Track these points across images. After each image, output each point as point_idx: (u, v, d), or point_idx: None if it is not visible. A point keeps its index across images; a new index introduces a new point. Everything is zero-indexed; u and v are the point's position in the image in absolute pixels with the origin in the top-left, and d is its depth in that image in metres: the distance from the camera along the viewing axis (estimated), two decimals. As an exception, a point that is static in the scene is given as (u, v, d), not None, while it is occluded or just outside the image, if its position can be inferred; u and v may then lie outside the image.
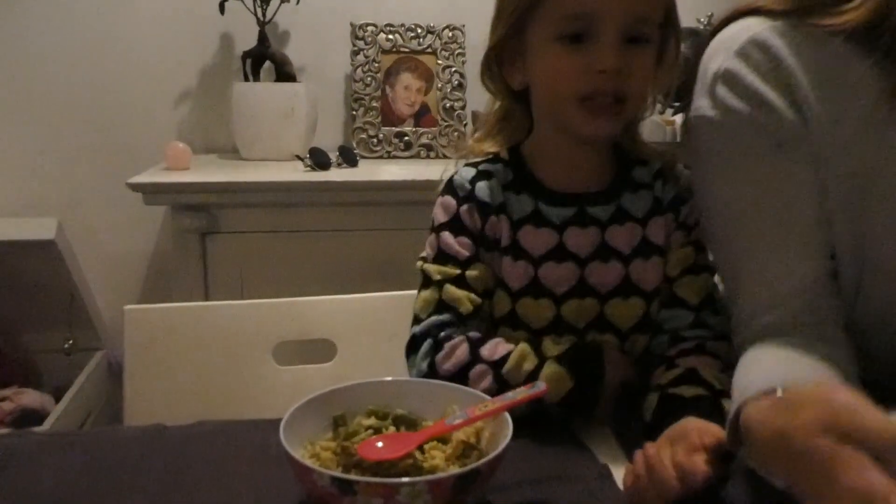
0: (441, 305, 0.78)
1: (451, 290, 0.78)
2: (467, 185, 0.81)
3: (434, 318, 0.78)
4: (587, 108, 0.76)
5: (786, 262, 0.73)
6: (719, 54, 0.75)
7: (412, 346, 0.78)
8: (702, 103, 0.76)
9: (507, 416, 0.61)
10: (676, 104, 1.52)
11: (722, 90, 0.74)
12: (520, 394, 0.63)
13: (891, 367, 0.74)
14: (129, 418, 0.98)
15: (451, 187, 0.83)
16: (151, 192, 1.58)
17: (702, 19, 1.88)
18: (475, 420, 0.61)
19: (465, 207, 0.81)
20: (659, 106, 0.87)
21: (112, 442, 0.73)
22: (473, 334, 0.77)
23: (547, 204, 0.81)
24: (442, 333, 0.77)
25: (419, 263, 0.82)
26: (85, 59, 1.92)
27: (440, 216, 0.82)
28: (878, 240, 0.72)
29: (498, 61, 0.83)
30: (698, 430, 0.62)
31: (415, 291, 0.82)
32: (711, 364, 0.75)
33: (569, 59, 0.76)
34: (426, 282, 0.81)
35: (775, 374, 0.64)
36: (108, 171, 1.91)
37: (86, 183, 1.96)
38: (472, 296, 0.79)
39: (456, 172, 0.84)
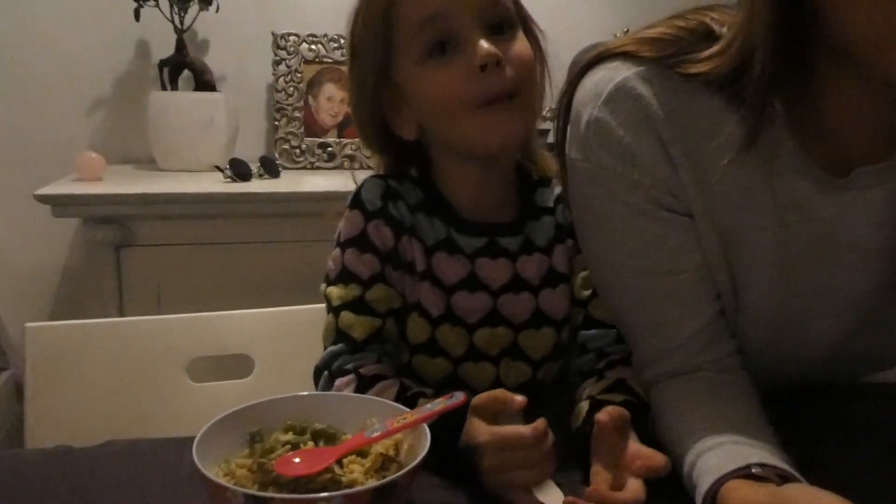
0: (338, 334, 0.76)
1: (347, 318, 0.76)
2: (378, 202, 0.78)
3: (331, 349, 0.76)
4: (485, 115, 0.73)
5: (675, 312, 0.73)
6: (590, 100, 0.72)
7: (315, 377, 0.77)
8: (575, 154, 0.74)
9: (426, 427, 0.61)
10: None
11: (594, 142, 0.72)
12: (438, 405, 0.63)
13: (770, 388, 0.76)
14: (32, 443, 0.93)
15: (358, 201, 0.79)
16: (61, 204, 1.52)
17: (618, 34, 1.93)
18: (394, 432, 0.61)
19: (373, 224, 0.77)
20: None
21: (13, 465, 0.69)
22: (367, 370, 0.74)
23: (459, 232, 0.80)
24: (335, 364, 0.75)
25: (322, 286, 0.79)
26: (-10, 64, 1.84)
27: (346, 232, 0.79)
28: (745, 288, 0.73)
29: (384, 119, 0.80)
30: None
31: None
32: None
33: (445, 72, 0.73)
34: (328, 307, 0.78)
35: (724, 430, 0.63)
36: (14, 182, 1.83)
37: (-10, 194, 1.87)
38: (371, 319, 0.76)
39: (363, 184, 0.80)
